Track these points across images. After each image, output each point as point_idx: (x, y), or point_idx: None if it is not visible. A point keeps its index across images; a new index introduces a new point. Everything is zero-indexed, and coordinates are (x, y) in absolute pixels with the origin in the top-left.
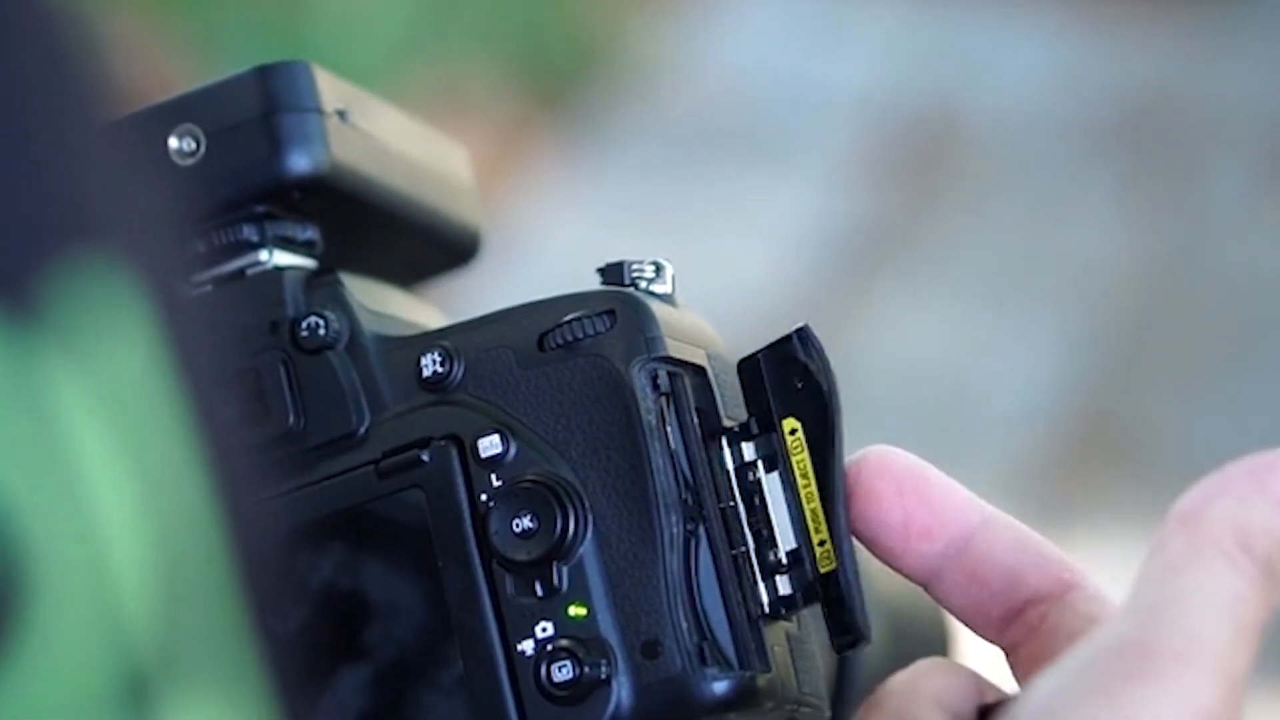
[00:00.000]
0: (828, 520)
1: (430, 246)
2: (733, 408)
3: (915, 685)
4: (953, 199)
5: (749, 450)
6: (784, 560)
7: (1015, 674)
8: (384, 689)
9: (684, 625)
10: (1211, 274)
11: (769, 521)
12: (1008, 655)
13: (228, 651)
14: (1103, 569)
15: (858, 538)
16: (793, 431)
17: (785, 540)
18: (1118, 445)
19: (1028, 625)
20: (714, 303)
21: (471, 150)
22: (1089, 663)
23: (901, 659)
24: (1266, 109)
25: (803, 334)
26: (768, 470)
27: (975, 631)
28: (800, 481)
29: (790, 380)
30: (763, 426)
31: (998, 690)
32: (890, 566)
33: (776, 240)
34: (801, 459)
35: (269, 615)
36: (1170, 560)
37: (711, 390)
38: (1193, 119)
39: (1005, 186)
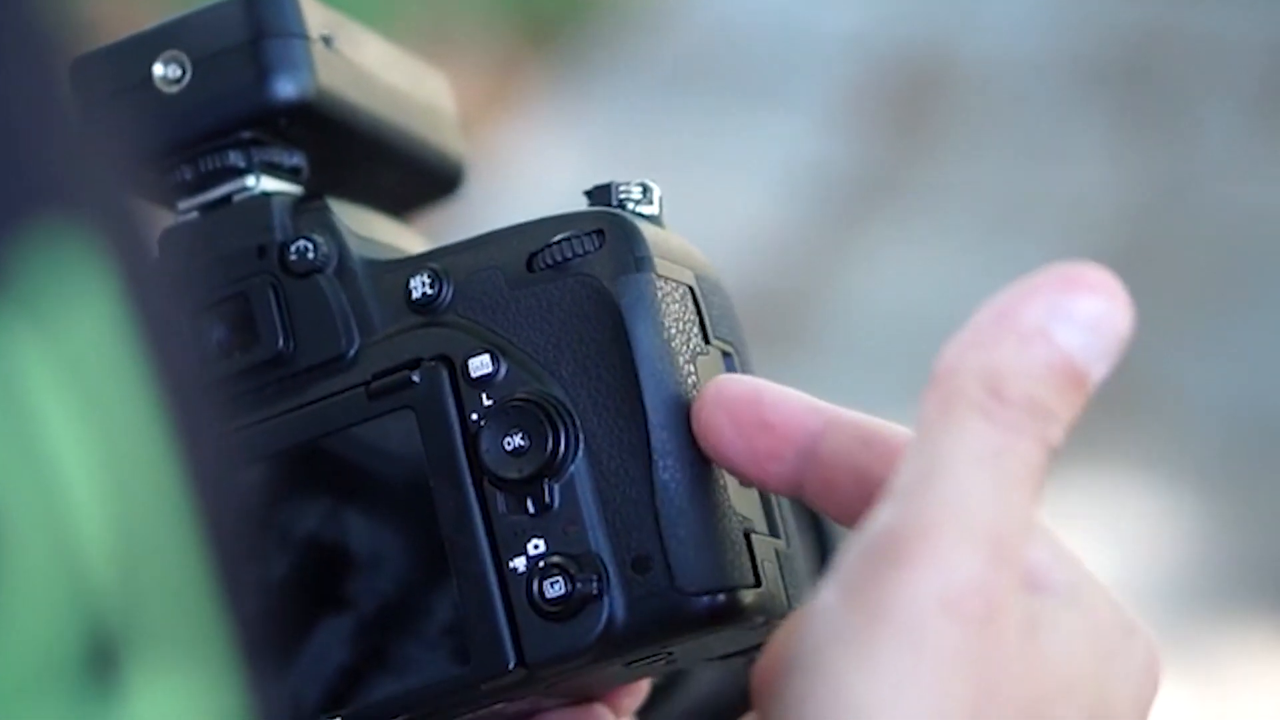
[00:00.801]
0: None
1: (414, 174)
2: (720, 328)
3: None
4: (944, 139)
5: None
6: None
7: None
8: (366, 639)
9: (678, 542)
10: (1202, 213)
11: None
12: None
13: (196, 616)
14: (1094, 511)
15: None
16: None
17: None
18: (1107, 384)
19: None
20: (705, 243)
21: (463, 89)
22: (850, 562)
23: None
24: (1257, 47)
25: None
26: None
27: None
28: None
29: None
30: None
31: None
32: (761, 490)
33: (768, 181)
34: None
35: (246, 567)
36: (924, 429)
37: (699, 309)
38: (1183, 57)
39: (996, 127)
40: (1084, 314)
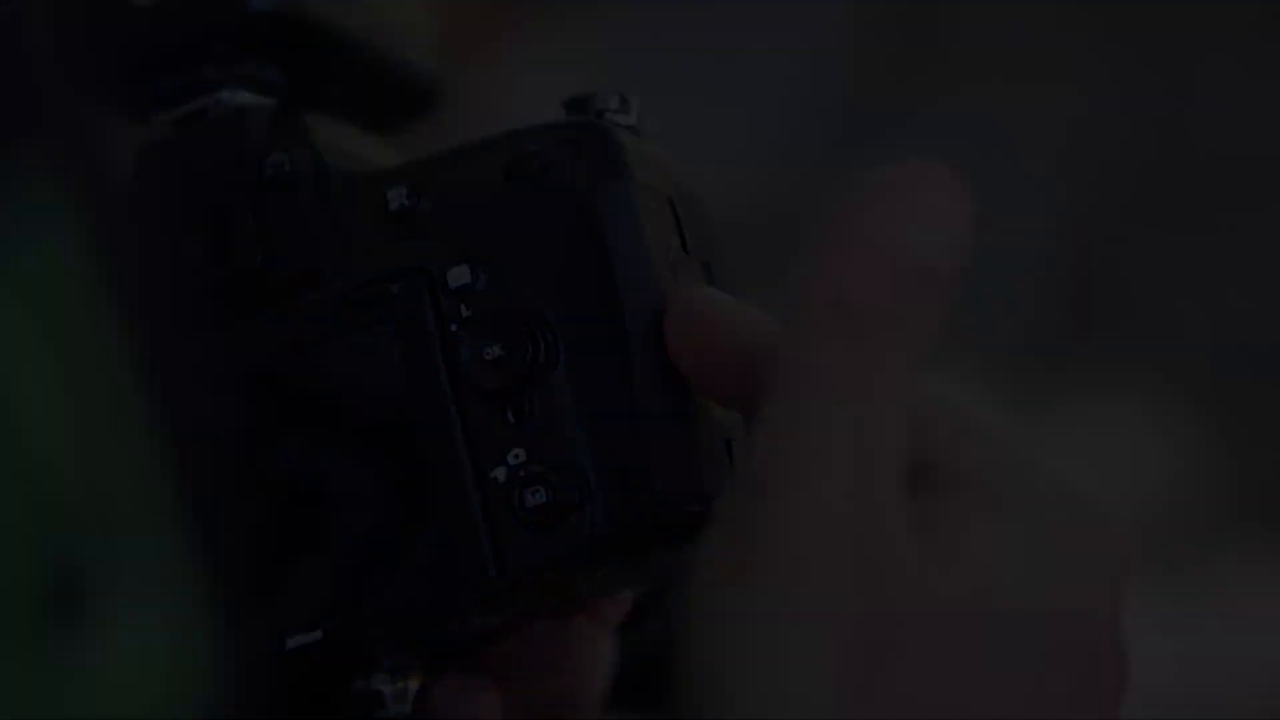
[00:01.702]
0: None
1: (390, 90)
2: (699, 239)
3: None
4: (942, 64)
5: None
6: None
7: None
8: (346, 555)
9: (657, 450)
10: (1201, 136)
11: None
12: None
13: (166, 544)
14: (1093, 435)
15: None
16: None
17: None
18: (1108, 311)
19: None
20: (699, 167)
21: (457, 8)
22: (725, 501)
23: None
24: None
25: None
26: None
27: None
28: None
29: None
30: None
31: None
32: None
33: (762, 107)
34: None
35: (219, 490)
36: (782, 358)
37: (678, 219)
38: None
39: (997, 51)
40: (920, 211)
